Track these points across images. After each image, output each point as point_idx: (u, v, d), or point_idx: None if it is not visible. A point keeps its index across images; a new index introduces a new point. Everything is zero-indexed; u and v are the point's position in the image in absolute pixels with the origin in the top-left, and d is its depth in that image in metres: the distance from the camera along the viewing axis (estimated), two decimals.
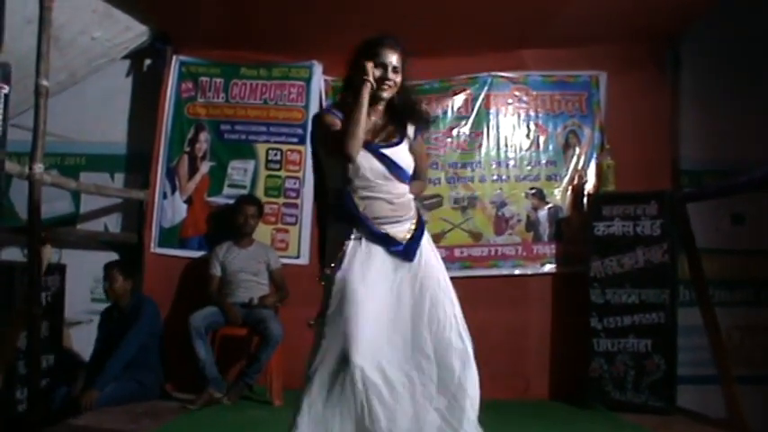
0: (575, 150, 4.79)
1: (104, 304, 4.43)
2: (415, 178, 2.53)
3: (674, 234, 4.18)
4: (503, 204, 4.77)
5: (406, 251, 2.37)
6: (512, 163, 4.81)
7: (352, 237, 2.36)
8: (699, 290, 4.23)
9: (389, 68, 2.39)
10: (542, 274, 4.70)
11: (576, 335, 4.38)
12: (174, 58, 4.92)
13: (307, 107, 4.88)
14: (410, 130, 2.49)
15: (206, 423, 3.59)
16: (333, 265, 2.35)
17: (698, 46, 4.74)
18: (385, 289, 2.32)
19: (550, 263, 4.70)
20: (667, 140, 4.71)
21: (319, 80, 4.90)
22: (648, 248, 4.19)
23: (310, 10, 4.20)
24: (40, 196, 3.55)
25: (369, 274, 2.31)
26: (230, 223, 4.56)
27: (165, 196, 4.84)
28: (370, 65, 2.35)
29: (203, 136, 4.90)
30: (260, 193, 4.81)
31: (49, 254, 3.83)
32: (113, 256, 4.56)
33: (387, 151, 2.41)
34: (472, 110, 4.83)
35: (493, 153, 4.81)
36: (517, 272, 4.70)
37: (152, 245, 4.78)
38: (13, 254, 4.72)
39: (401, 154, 2.43)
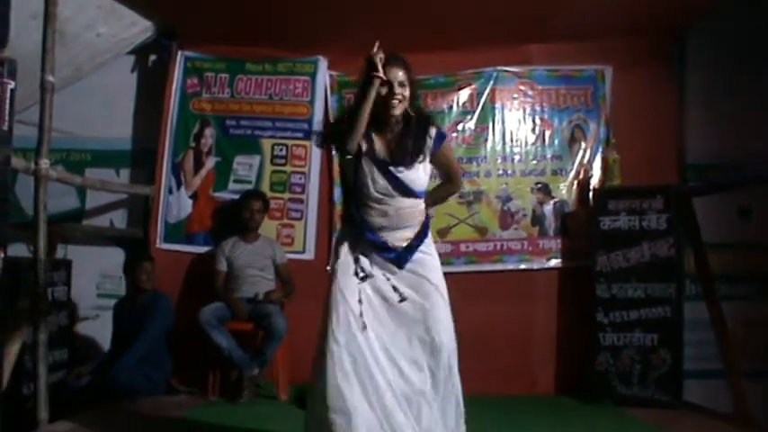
0: (580, 145, 4.79)
1: (111, 300, 4.44)
2: (449, 181, 2.75)
3: (679, 228, 4.17)
4: (508, 199, 4.77)
5: (398, 259, 2.46)
6: (517, 158, 4.81)
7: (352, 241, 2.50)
8: (705, 284, 4.21)
9: (396, 83, 2.42)
10: (548, 268, 4.70)
11: (581, 329, 4.38)
12: (180, 53, 4.93)
13: (312, 102, 4.89)
14: (429, 143, 2.52)
15: (212, 418, 3.60)
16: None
17: (704, 40, 4.72)
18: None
19: (556, 257, 4.70)
20: (673, 134, 4.70)
21: (324, 75, 4.90)
22: (654, 243, 4.18)
23: (315, 5, 4.20)
24: (45, 192, 3.56)
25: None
26: (236, 218, 4.56)
27: (170, 192, 4.85)
28: (378, 57, 2.34)
29: (209, 131, 4.91)
30: (265, 188, 4.81)
31: None
32: (119, 252, 4.57)
33: (399, 174, 2.46)
34: (477, 104, 4.83)
35: (498, 148, 4.81)
36: (523, 266, 4.70)
37: (158, 240, 4.79)
38: (19, 250, 4.72)
39: (412, 175, 2.48)
